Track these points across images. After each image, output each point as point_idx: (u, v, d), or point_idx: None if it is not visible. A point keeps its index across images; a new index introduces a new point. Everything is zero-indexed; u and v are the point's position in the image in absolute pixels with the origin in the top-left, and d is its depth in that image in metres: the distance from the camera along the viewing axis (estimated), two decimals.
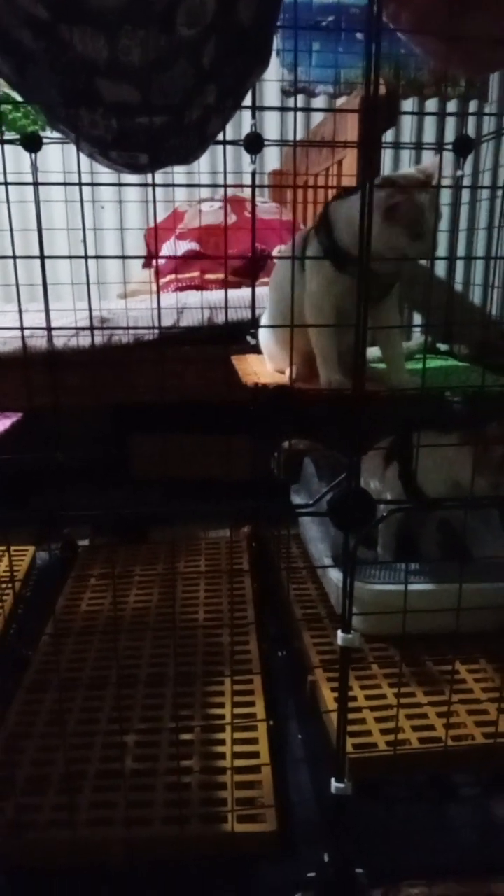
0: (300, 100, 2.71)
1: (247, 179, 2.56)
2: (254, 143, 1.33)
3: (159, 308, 1.59)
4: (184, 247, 1.85)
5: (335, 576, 1.15)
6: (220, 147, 1.04)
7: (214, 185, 2.27)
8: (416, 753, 0.87)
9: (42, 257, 0.94)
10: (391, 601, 1.06)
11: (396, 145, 2.43)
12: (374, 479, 1.27)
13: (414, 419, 1.22)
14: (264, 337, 1.28)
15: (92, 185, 1.55)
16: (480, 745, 0.89)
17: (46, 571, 1.47)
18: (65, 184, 1.86)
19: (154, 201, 1.78)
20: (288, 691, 1.10)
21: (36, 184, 0.97)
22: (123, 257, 2.39)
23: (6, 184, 0.76)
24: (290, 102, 2.64)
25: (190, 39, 0.74)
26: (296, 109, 2.58)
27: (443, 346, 1.61)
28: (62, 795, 0.83)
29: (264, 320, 1.30)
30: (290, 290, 1.16)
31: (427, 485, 1.18)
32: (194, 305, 1.55)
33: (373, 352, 1.21)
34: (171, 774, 0.86)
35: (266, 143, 1.36)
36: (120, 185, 1.93)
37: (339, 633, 0.68)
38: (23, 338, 1.34)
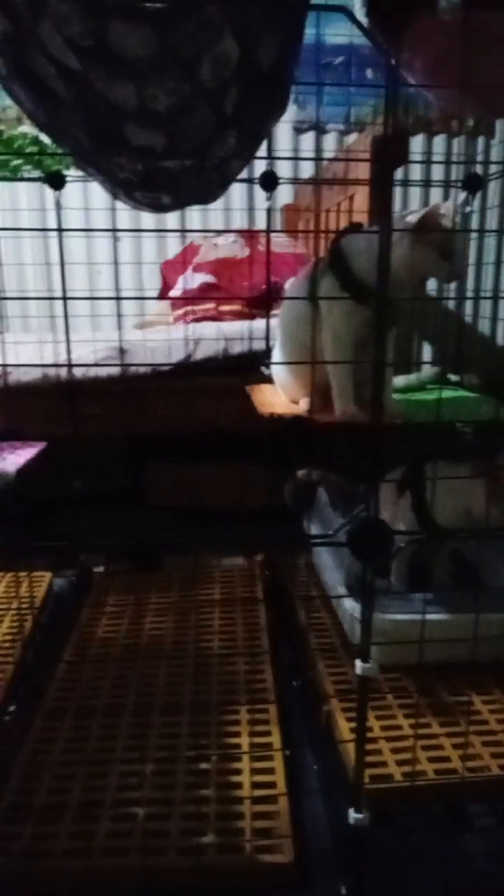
0: (311, 136, 2.78)
1: (259, 214, 2.63)
2: (268, 181, 1.38)
3: (188, 338, 1.62)
4: (199, 279, 1.90)
5: (349, 605, 1.16)
6: (235, 183, 1.08)
7: (241, 231, 2.33)
8: (433, 784, 0.87)
9: (64, 298, 0.98)
10: (406, 631, 1.07)
11: (405, 182, 2.49)
12: (387, 509, 1.28)
13: (426, 449, 1.23)
14: (277, 368, 1.31)
15: (113, 231, 1.60)
16: (496, 776, 0.89)
17: (63, 597, 1.49)
18: (87, 230, 1.91)
19: (184, 231, 1.83)
20: (303, 720, 1.09)
21: (60, 230, 1.00)
22: (143, 297, 2.44)
23: (34, 229, 0.80)
24: (302, 139, 2.71)
25: (213, 87, 0.78)
26: (315, 159, 2.64)
27: (453, 377, 1.64)
28: (78, 823, 0.83)
29: (275, 353, 1.33)
30: (302, 325, 1.19)
31: (440, 514, 1.19)
32: (210, 337, 1.58)
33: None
34: (188, 804, 0.86)
35: (280, 181, 1.40)
36: (139, 232, 1.99)
37: (358, 663, 0.68)
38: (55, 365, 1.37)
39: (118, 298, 2.16)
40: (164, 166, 0.85)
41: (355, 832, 0.75)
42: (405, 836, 0.86)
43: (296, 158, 2.62)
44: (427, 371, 1.50)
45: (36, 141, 1.07)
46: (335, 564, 1.30)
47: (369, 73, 2.84)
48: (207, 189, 0.94)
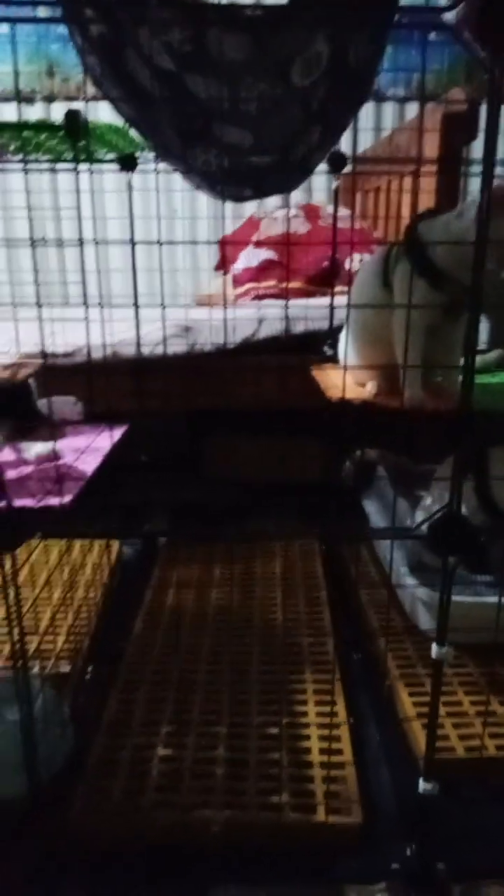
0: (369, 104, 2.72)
1: (315, 188, 2.61)
2: (337, 161, 1.38)
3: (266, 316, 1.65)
4: (262, 256, 1.91)
5: (411, 585, 1.20)
6: None
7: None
8: (497, 759, 0.92)
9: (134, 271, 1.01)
10: (467, 612, 1.10)
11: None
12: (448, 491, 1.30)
13: (491, 434, 1.25)
14: (344, 350, 1.33)
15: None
16: None
17: (130, 565, 1.57)
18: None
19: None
20: (365, 692, 1.15)
21: (132, 216, 1.03)
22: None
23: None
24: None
25: (303, 87, 0.80)
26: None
27: None
28: (164, 779, 0.91)
29: (344, 335, 1.34)
30: (374, 309, 1.20)
31: (502, 498, 1.22)
32: (273, 316, 1.61)
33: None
34: (262, 766, 0.93)
35: (349, 161, 1.40)
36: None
37: (434, 647, 0.73)
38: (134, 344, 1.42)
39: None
40: (250, 161, 0.87)
41: (422, 800, 0.80)
42: (467, 807, 0.92)
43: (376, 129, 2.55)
44: (492, 354, 1.50)
45: (116, 129, 1.10)
46: (397, 543, 1.34)
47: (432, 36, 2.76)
48: (288, 180, 0.96)
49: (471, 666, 1.13)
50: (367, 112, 2.68)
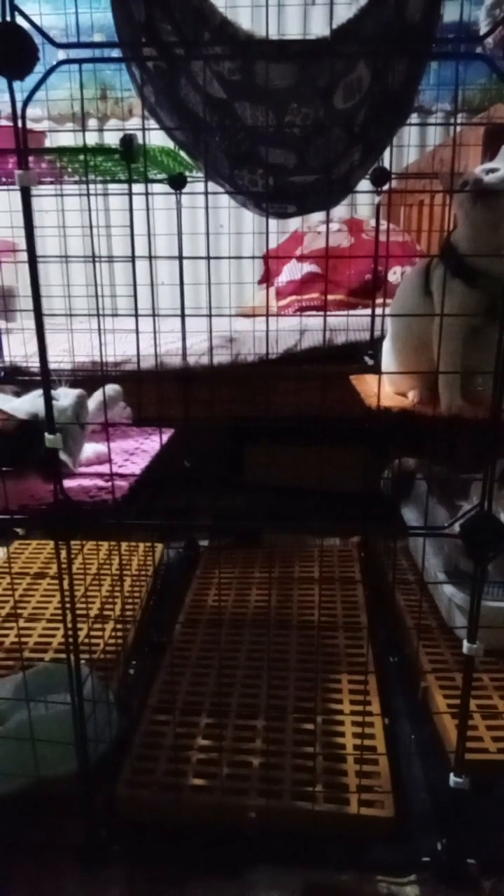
0: (415, 117, 2.75)
1: (360, 199, 2.65)
2: (381, 177, 1.42)
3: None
4: (305, 269, 1.97)
5: (448, 590, 1.22)
6: None
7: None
8: None
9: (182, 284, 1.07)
10: (499, 617, 1.12)
11: None
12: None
13: None
14: (387, 360, 1.36)
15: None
16: None
17: (173, 567, 1.63)
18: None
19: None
20: (399, 693, 1.18)
21: (180, 233, 1.09)
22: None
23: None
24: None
25: (345, 110, 0.85)
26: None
27: None
28: (203, 765, 0.95)
29: (386, 344, 1.38)
30: (416, 318, 1.23)
31: None
32: (315, 328, 1.66)
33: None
34: (297, 758, 0.97)
35: (393, 176, 1.44)
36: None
37: (465, 643, 0.76)
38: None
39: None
40: (294, 181, 0.93)
41: (454, 795, 0.82)
42: (499, 804, 0.93)
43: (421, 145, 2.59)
44: None
45: (167, 151, 1.17)
46: (433, 550, 1.36)
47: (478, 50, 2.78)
48: (330, 197, 1.01)
49: None
50: (411, 128, 2.72)
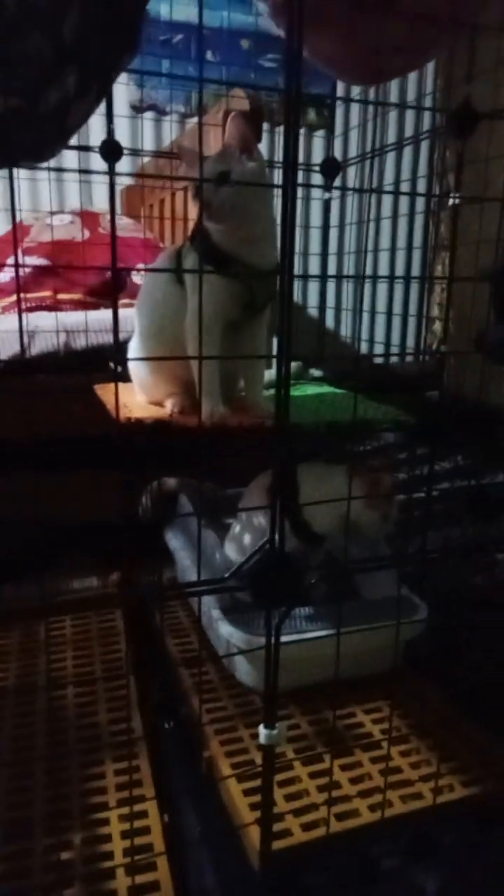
0: (149, 116, 2.62)
1: (97, 192, 2.42)
2: (112, 151, 1.20)
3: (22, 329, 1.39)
4: (32, 263, 1.66)
5: (226, 630, 1.03)
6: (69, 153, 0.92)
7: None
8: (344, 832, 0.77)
9: None
10: (293, 654, 0.96)
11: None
12: (258, 515, 1.17)
13: (299, 451, 1.14)
14: (134, 365, 1.14)
15: None
16: (400, 813, 0.81)
17: None
18: None
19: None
20: (179, 772, 0.95)
21: None
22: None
23: None
24: (139, 119, 2.54)
25: (46, 7, 0.61)
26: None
27: (316, 372, 1.57)
28: None
29: (132, 346, 1.16)
30: (166, 311, 1.05)
31: (315, 519, 1.11)
32: (48, 328, 1.37)
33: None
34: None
35: (125, 152, 1.23)
36: None
37: (261, 729, 0.55)
38: None
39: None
40: None
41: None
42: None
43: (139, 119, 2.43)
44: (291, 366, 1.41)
45: None
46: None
47: (210, 56, 2.73)
48: (42, 142, 0.76)
49: (297, 716, 0.99)
50: (149, 126, 2.58)
